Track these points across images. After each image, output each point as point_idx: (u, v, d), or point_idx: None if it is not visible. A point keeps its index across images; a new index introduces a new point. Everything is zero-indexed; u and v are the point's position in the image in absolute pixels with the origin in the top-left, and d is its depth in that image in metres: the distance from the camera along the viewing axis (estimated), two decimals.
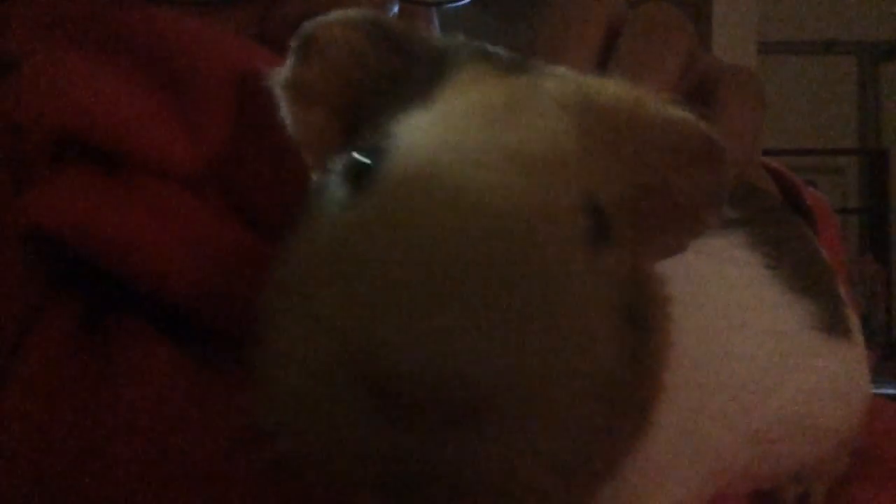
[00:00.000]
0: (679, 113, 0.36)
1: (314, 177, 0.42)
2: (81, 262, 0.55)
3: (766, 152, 0.81)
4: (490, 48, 0.37)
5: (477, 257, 0.26)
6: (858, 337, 0.56)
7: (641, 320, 0.33)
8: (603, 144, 0.33)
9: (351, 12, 0.38)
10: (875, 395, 0.60)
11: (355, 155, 0.32)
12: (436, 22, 0.77)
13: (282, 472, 0.45)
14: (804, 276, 0.52)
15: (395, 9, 0.70)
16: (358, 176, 0.32)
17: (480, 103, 0.32)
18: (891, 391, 2.25)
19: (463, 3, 0.76)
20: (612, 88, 0.35)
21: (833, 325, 0.52)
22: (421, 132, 0.31)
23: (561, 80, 0.35)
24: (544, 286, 0.27)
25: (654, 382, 0.35)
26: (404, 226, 0.27)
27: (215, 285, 0.57)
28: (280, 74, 0.40)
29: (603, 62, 0.49)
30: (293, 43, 0.40)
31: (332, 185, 0.34)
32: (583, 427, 0.28)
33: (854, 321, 0.56)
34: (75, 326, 0.55)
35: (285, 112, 0.42)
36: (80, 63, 0.60)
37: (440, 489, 0.26)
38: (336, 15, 0.38)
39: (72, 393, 0.49)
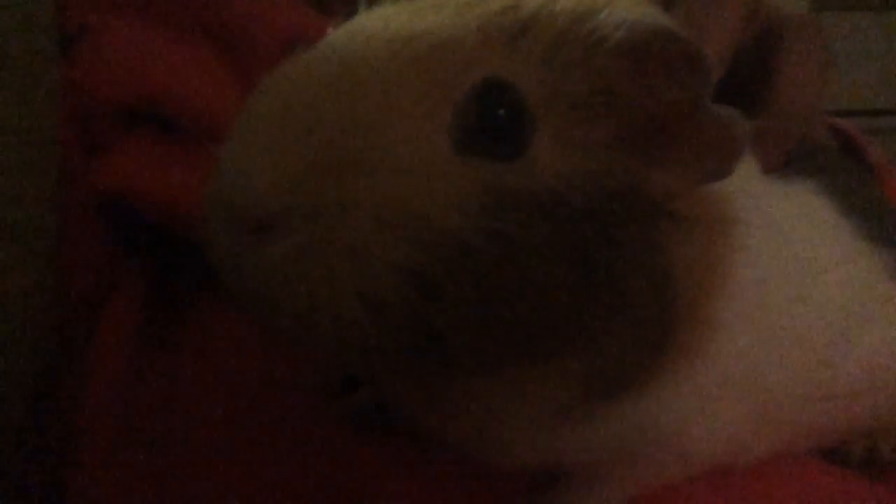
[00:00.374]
0: (639, 15, 0.35)
1: None
2: (149, 228, 0.57)
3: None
4: None
5: (304, 103, 0.33)
6: None
7: (597, 221, 0.35)
8: (541, 46, 0.35)
9: None
10: None
11: None
12: None
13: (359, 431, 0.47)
14: (877, 224, 0.50)
15: None
16: None
17: (402, 7, 0.36)
18: None
19: None
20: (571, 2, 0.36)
21: None
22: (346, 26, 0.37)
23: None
24: (354, 133, 0.32)
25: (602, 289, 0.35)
26: (275, 85, 0.34)
27: None
28: None
29: (667, 6, 0.49)
30: None
31: None
32: (388, 270, 0.32)
33: None
34: (146, 292, 0.57)
35: None
36: (142, 34, 0.61)
37: (251, 285, 0.32)
38: None
39: (151, 359, 0.51)
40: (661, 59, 0.35)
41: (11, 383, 0.45)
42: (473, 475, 0.45)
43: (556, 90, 0.35)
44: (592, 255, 0.34)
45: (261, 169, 0.31)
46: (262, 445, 0.46)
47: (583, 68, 0.35)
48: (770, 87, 0.54)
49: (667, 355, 0.39)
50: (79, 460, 0.46)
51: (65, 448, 0.48)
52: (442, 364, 0.34)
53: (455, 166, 0.33)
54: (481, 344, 0.34)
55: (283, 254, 0.31)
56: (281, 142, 0.32)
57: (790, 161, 0.51)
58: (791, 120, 0.53)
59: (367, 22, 0.36)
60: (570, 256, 0.34)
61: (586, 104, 0.35)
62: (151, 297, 0.57)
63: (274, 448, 0.46)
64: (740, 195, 0.42)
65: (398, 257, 0.32)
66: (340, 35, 0.36)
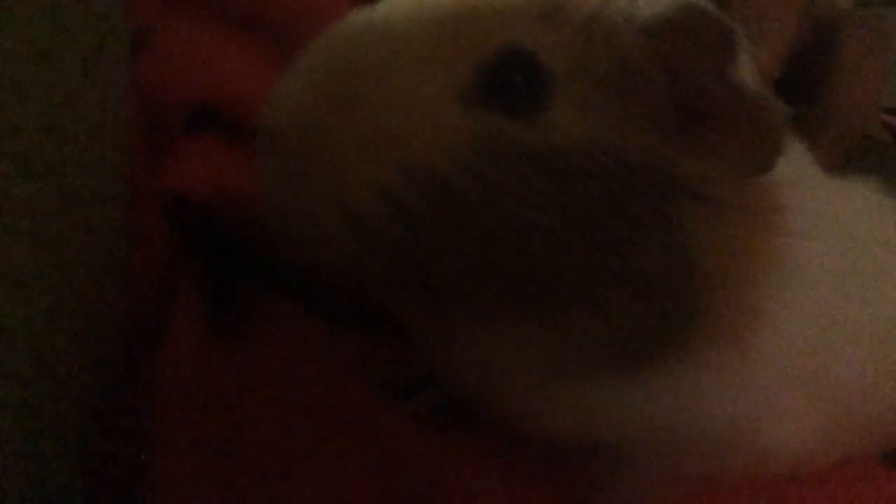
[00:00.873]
0: None
1: None
2: (212, 231, 0.58)
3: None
4: None
5: (334, 48, 0.38)
6: None
7: (611, 192, 0.36)
8: (571, 24, 0.37)
9: None
10: None
11: None
12: None
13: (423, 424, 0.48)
14: None
15: None
16: None
17: None
18: None
19: None
20: None
21: None
22: None
23: None
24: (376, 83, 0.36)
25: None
26: (323, 43, 0.39)
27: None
28: None
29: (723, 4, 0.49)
30: None
31: None
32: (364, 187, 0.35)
33: None
34: (210, 292, 0.58)
35: None
36: (204, 36, 0.62)
37: (276, 198, 0.38)
38: None
39: (219, 364, 0.52)
40: (691, 37, 0.35)
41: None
42: (545, 473, 0.45)
43: (583, 65, 0.37)
44: (596, 217, 0.36)
45: (280, 98, 0.38)
46: (329, 441, 0.47)
47: (611, 46, 0.36)
48: (828, 84, 0.54)
49: (692, 337, 0.39)
50: (155, 446, 0.47)
51: (137, 453, 0.48)
52: (433, 300, 0.37)
53: (455, 113, 0.36)
54: (467, 286, 0.36)
55: (275, 167, 0.37)
56: (303, 79, 0.38)
57: (848, 159, 0.51)
58: (849, 117, 0.53)
59: None
60: (569, 213, 0.36)
61: (613, 80, 0.36)
62: (215, 296, 0.58)
63: (340, 442, 0.46)
64: (797, 187, 0.41)
65: (375, 177, 0.35)
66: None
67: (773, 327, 0.40)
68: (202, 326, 0.54)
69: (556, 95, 0.36)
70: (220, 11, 0.65)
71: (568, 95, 0.36)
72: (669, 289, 0.37)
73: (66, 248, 0.45)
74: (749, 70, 0.39)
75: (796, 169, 0.40)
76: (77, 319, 0.46)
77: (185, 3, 0.66)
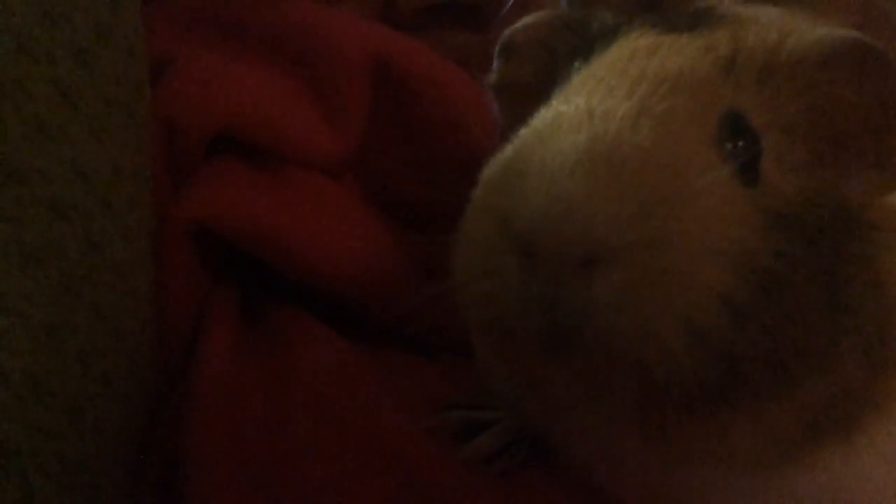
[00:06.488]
0: (829, 29, 0.38)
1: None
2: (236, 253, 0.58)
3: None
4: (666, 17, 0.41)
5: (607, 142, 0.34)
6: None
7: (827, 238, 0.36)
8: (752, 74, 0.38)
9: (536, 15, 0.46)
10: None
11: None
12: None
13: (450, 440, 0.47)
14: None
15: None
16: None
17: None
18: None
19: None
20: (762, 30, 0.39)
21: None
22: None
23: (715, 33, 0.39)
24: (661, 173, 0.34)
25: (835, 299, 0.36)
26: (550, 140, 0.35)
27: (360, 271, 0.59)
28: (490, 78, 0.47)
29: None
30: (497, 48, 0.47)
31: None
32: (710, 296, 0.33)
33: None
34: (238, 315, 0.57)
35: (496, 108, 0.49)
36: (225, 62, 0.61)
37: (567, 329, 0.33)
38: (525, 20, 0.46)
39: (250, 383, 0.51)
40: (858, 68, 0.38)
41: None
42: None
43: (770, 115, 0.38)
44: (833, 276, 0.36)
45: (594, 210, 0.32)
46: (368, 481, 0.46)
47: (789, 88, 0.38)
48: None
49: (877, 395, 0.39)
50: (189, 456, 0.46)
51: (173, 471, 0.48)
52: (719, 396, 0.35)
53: (736, 192, 0.35)
54: (760, 375, 0.35)
55: (615, 285, 0.32)
56: (604, 184, 0.33)
57: None
58: None
59: (634, 63, 0.38)
60: (820, 279, 0.36)
61: (795, 125, 0.38)
62: (241, 312, 0.58)
63: (381, 484, 0.46)
64: None
65: (717, 282, 0.33)
66: (614, 71, 0.38)
67: None
68: (233, 343, 0.54)
69: (763, 154, 0.37)
70: (240, 39, 0.64)
71: (769, 151, 0.37)
72: (876, 325, 0.37)
73: (94, 291, 0.44)
74: None
75: None
76: (108, 363, 0.45)
77: (206, 31, 0.65)
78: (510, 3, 0.75)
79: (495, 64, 0.47)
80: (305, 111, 0.62)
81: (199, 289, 0.56)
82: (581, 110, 0.35)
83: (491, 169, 0.39)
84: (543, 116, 0.37)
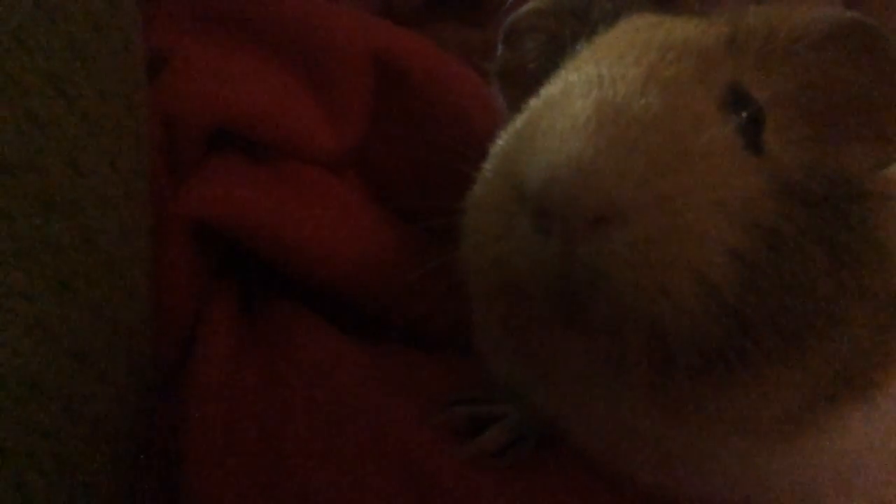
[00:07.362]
0: (826, 10, 0.39)
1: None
2: (235, 249, 0.57)
3: None
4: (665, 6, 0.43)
5: (617, 105, 0.34)
6: None
7: (829, 205, 0.37)
8: (752, 52, 0.39)
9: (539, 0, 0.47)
10: None
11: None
12: None
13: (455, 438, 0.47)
14: None
15: None
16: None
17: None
18: None
19: None
20: (761, 10, 0.41)
21: None
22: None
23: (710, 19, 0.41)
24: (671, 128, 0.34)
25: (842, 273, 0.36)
26: (561, 105, 0.35)
27: (361, 267, 0.58)
28: (493, 64, 0.47)
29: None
30: (500, 34, 0.47)
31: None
32: (721, 251, 0.33)
33: None
34: (237, 312, 0.57)
35: (498, 94, 0.50)
36: (224, 57, 0.61)
37: (581, 287, 0.33)
38: (528, 6, 0.47)
39: (250, 381, 0.51)
40: (855, 46, 0.39)
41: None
42: None
43: (770, 92, 0.39)
44: (836, 240, 0.36)
45: (606, 168, 0.32)
46: (374, 482, 0.45)
47: (789, 66, 0.39)
48: None
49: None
50: (188, 454, 0.46)
51: (173, 460, 0.48)
52: (731, 361, 0.35)
53: (748, 159, 0.36)
54: (770, 337, 0.35)
55: (629, 241, 0.32)
56: (615, 143, 0.33)
57: None
58: None
59: (640, 34, 0.39)
60: (824, 243, 0.36)
61: (794, 101, 0.39)
62: (241, 309, 0.57)
63: (387, 486, 0.45)
64: None
65: (728, 238, 0.34)
66: (621, 42, 0.39)
67: None
68: (233, 341, 0.53)
69: (765, 127, 0.38)
70: (241, 33, 0.63)
71: (770, 124, 0.38)
72: (883, 289, 0.38)
73: (90, 287, 0.43)
74: None
75: None
76: (105, 361, 0.44)
77: (205, 24, 0.64)
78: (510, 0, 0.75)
79: (498, 50, 0.48)
80: (306, 106, 0.61)
81: (199, 285, 0.55)
82: (590, 77, 0.36)
83: (501, 139, 0.40)
84: (553, 86, 0.38)
